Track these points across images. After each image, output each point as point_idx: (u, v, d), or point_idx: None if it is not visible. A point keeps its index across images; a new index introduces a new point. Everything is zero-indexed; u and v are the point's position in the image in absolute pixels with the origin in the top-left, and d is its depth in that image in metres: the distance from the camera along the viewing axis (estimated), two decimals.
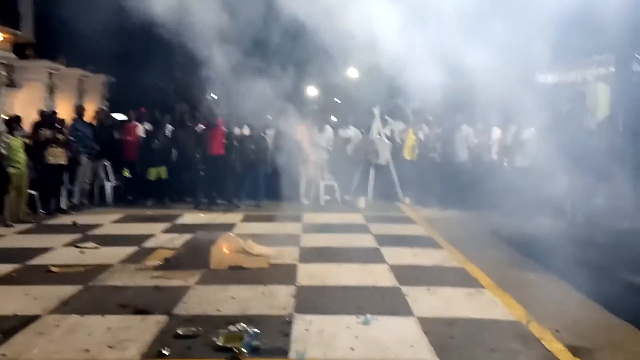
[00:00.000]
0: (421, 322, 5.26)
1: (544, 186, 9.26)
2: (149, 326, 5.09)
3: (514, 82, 10.21)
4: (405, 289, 6.31)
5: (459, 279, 6.81)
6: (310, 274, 6.89)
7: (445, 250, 8.32)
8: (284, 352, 4.56)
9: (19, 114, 13.92)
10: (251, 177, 12.80)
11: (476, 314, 5.52)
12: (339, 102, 15.87)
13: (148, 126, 13.07)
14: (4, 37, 18.73)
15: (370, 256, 7.87)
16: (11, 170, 10.14)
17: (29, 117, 13.32)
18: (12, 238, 9.16)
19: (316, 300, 5.88)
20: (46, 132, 11.44)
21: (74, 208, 11.84)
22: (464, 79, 10.67)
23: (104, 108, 16.81)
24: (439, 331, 5.05)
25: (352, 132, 13.99)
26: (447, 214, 11.51)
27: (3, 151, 10.07)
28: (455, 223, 10.55)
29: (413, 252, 8.16)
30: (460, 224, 10.42)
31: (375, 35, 9.27)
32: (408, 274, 6.92)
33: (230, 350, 4.51)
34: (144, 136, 12.77)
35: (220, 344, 4.61)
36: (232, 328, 4.94)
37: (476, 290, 6.33)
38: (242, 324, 5.01)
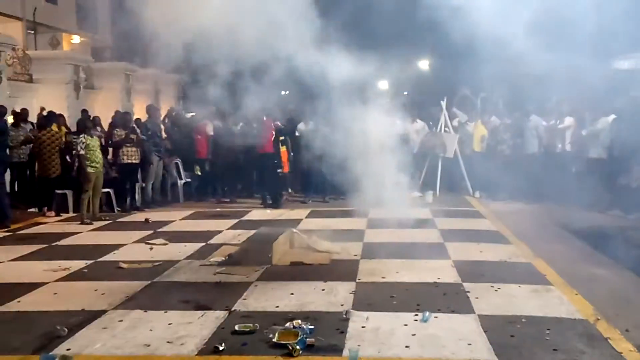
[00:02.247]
0: (482, 320, 5.12)
1: (618, 178, 8.84)
2: (208, 322, 5.20)
3: (587, 69, 9.80)
4: (468, 285, 6.17)
5: (526, 275, 6.59)
6: (371, 270, 6.83)
7: (513, 245, 8.07)
8: (338, 349, 4.55)
9: (98, 115, 14.61)
10: (318, 173, 12.82)
11: (540, 312, 5.32)
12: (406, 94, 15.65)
13: (218, 124, 13.31)
14: (81, 41, 19.61)
15: (434, 252, 7.72)
16: (89, 169, 10.56)
17: (108, 118, 13.88)
18: (88, 235, 9.57)
19: (375, 297, 5.83)
20: (120, 132, 11.87)
21: (147, 205, 12.24)
22: (534, 66, 10.34)
23: (176, 107, 17.26)
24: (499, 329, 4.90)
25: (419, 125, 13.80)
26: (517, 208, 11.17)
27: (81, 151, 10.51)
28: (525, 217, 10.22)
29: (479, 247, 7.96)
30: (530, 218, 10.09)
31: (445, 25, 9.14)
32: (472, 270, 6.75)
33: (284, 346, 4.53)
34: (213, 134, 13.02)
35: (275, 340, 4.64)
36: (288, 324, 4.97)
37: (542, 287, 6.10)
38: (299, 321, 5.03)
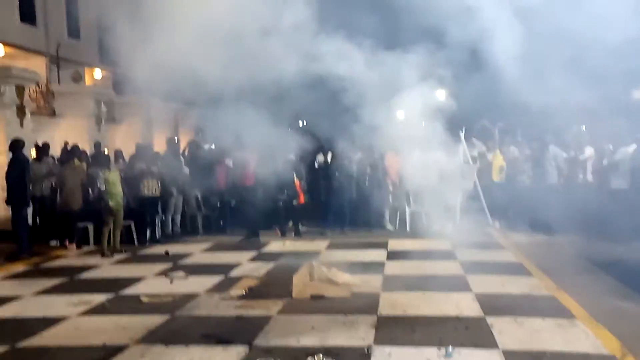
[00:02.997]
0: (506, 355, 5.05)
1: None
2: (229, 356, 5.19)
3: (607, 99, 9.77)
4: (490, 319, 6.09)
5: (549, 308, 6.48)
6: (392, 303, 6.78)
7: (536, 278, 7.97)
8: None
9: (120, 148, 14.79)
10: (336, 204, 12.82)
11: (566, 347, 5.23)
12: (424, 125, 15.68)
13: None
14: (103, 75, 19.99)
15: (456, 284, 7.65)
16: (110, 203, 10.65)
17: (129, 150, 14.05)
18: (108, 268, 9.62)
19: (397, 331, 5.78)
20: (141, 165, 11.99)
21: (167, 238, 12.29)
22: (554, 96, 10.33)
23: (196, 139, 17.42)
24: None
25: (438, 156, 13.76)
26: (539, 239, 11.03)
27: (102, 187, 10.62)
28: (547, 248, 10.11)
29: (501, 279, 7.87)
30: (552, 250, 9.97)
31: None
32: (494, 304, 6.67)
33: None
34: (232, 166, 13.09)
35: None
36: (310, 359, 4.93)
37: (567, 321, 6.00)
38: (320, 355, 5.00)
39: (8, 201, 10.51)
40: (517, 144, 13.00)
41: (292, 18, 8.25)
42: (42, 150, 12.77)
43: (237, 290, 7.53)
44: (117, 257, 10.42)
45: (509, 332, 5.69)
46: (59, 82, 20.75)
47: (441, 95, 17.30)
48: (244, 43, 8.27)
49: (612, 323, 5.85)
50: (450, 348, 5.17)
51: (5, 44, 17.94)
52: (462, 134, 13.03)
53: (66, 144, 14.13)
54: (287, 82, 8.97)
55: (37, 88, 15.42)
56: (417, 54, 9.28)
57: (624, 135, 10.71)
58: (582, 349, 5.19)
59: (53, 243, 11.71)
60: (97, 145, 14.79)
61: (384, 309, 6.58)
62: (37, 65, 19.45)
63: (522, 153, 12.73)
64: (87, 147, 14.76)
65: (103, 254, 10.45)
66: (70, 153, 12.26)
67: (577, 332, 5.66)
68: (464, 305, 6.64)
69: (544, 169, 11.91)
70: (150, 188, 11.82)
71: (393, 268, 8.84)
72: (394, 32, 9.70)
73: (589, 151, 11.58)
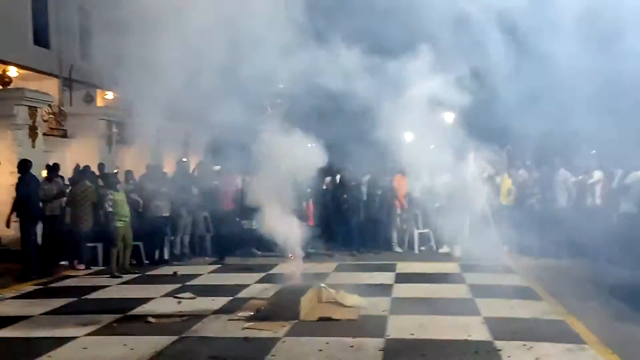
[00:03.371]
0: None
1: None
2: None
3: (613, 121, 9.77)
4: (499, 343, 6.04)
5: (559, 333, 6.44)
6: (400, 326, 6.75)
7: (545, 302, 7.93)
8: None
9: (131, 169, 14.86)
10: (345, 226, 12.83)
11: None
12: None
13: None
14: (115, 96, 20.12)
15: (464, 308, 7.62)
16: (118, 224, 10.71)
17: (140, 171, 14.11)
18: (117, 288, 9.64)
19: (405, 355, 5.76)
20: (150, 185, 12.06)
21: (175, 258, 12.32)
22: (563, 119, 10.34)
23: (205, 160, 17.50)
24: None
25: (446, 178, 13.77)
26: (548, 263, 10.97)
27: (109, 208, 10.69)
28: (557, 272, 10.05)
29: (510, 303, 7.82)
30: (562, 274, 9.91)
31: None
32: (503, 328, 6.62)
33: None
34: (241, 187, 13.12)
35: None
36: None
37: (577, 346, 5.95)
38: None
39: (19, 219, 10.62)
40: (526, 167, 12.99)
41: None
42: (53, 170, 12.85)
43: (245, 312, 7.53)
44: (126, 277, 10.44)
45: (518, 356, 5.65)
46: (70, 104, 20.94)
47: (450, 117, 17.36)
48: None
49: (622, 348, 5.81)
50: None
51: (19, 66, 18.12)
52: (471, 157, 13.01)
53: (78, 165, 14.23)
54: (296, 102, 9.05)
55: (50, 109, 15.56)
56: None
57: (634, 159, 10.68)
58: None
59: (62, 263, 11.75)
60: (101, 167, 14.84)
61: (392, 332, 6.55)
62: (50, 87, 19.66)
63: (531, 176, 12.72)
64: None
65: (112, 275, 10.47)
66: (82, 173, 12.36)
67: (586, 357, 5.62)
68: (473, 329, 6.60)
69: (553, 192, 11.89)
70: (159, 209, 11.87)
71: (401, 291, 8.82)
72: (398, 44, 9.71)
73: (597, 174, 11.56)
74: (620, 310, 7.43)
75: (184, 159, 15.22)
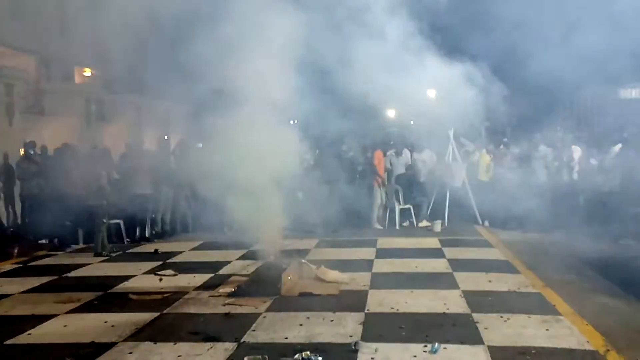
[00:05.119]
0: (491, 351, 5.11)
1: (629, 207, 8.81)
2: (217, 354, 5.21)
3: (595, 98, 9.87)
4: (477, 316, 6.15)
5: (535, 305, 6.55)
6: (380, 301, 6.83)
7: (522, 275, 8.04)
8: None
9: (109, 147, 14.75)
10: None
11: (550, 343, 5.29)
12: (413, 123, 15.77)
13: None
14: (93, 73, 19.95)
15: (443, 282, 7.72)
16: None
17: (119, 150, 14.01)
18: (98, 266, 9.62)
19: (384, 328, 5.83)
20: (131, 164, 11.98)
21: (157, 236, 12.30)
22: (541, 96, 10.40)
23: (184, 139, 17.39)
24: None
25: (426, 154, 13.86)
26: (527, 237, 11.11)
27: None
28: (535, 246, 10.18)
29: (488, 277, 7.93)
30: (540, 248, 10.03)
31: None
32: (481, 301, 6.74)
33: None
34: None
35: None
36: (297, 356, 4.97)
37: (552, 317, 6.06)
38: (307, 352, 5.04)
39: None
40: (504, 143, 13.10)
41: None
42: (30, 148, 12.69)
43: (226, 288, 7.56)
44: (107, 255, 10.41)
45: (495, 328, 5.75)
46: (48, 81, 20.68)
47: (431, 94, 17.38)
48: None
49: (597, 319, 5.93)
50: (436, 344, 5.22)
51: None
52: (451, 133, 13.10)
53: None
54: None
55: (27, 87, 15.39)
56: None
57: (611, 135, 10.81)
58: (566, 344, 5.26)
59: (42, 242, 11.68)
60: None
61: (372, 306, 6.63)
62: (27, 64, 19.38)
63: (510, 152, 12.83)
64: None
65: (96, 253, 10.40)
66: (61, 152, 12.24)
67: (561, 329, 5.72)
68: (451, 302, 6.69)
69: (532, 168, 12.00)
70: (140, 186, 11.82)
71: (382, 266, 8.89)
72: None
73: (575, 150, 11.70)
74: (596, 283, 7.57)
75: (165, 137, 15.11)
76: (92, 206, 10.63)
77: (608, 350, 5.08)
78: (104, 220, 10.68)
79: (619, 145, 10.70)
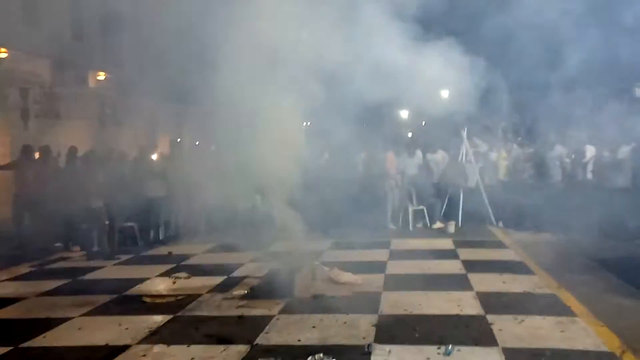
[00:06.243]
0: (505, 353, 5.08)
1: None
2: (230, 356, 5.23)
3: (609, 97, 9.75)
4: (491, 317, 6.11)
5: (550, 306, 6.50)
6: (394, 303, 6.80)
7: (537, 276, 7.98)
8: None
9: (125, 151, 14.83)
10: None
11: (565, 344, 5.25)
12: (424, 124, 15.76)
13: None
14: (107, 77, 20.06)
15: (457, 283, 7.68)
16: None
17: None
18: (112, 269, 9.68)
19: (397, 330, 5.81)
20: (145, 166, 12.04)
21: (170, 239, 12.34)
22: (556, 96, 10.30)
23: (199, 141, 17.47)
24: None
25: (439, 155, 13.81)
26: (542, 238, 11.03)
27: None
28: (550, 247, 10.09)
29: (502, 278, 7.88)
30: (554, 248, 9.94)
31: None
32: (495, 302, 6.70)
33: None
34: None
35: None
36: (310, 358, 4.97)
37: (567, 319, 6.01)
38: (321, 354, 5.03)
39: None
40: (519, 143, 13.03)
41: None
42: (45, 152, 12.75)
43: (239, 290, 7.57)
44: (123, 258, 10.45)
45: (509, 329, 5.71)
46: (63, 85, 20.84)
47: (445, 94, 17.31)
48: None
49: (613, 320, 5.87)
50: (450, 346, 5.19)
51: (9, 47, 17.97)
52: (464, 133, 13.04)
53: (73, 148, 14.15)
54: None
55: (42, 91, 15.52)
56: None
57: (624, 134, 10.70)
58: (581, 346, 5.21)
59: (57, 245, 11.75)
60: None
61: (386, 308, 6.61)
62: (42, 69, 19.53)
63: (524, 152, 12.75)
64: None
65: (110, 257, 10.45)
66: (72, 155, 12.30)
67: (577, 330, 5.68)
68: (465, 304, 6.66)
69: (546, 168, 11.92)
70: (154, 189, 11.87)
71: (395, 267, 8.86)
72: None
73: (589, 149, 11.60)
74: (612, 283, 7.51)
75: (179, 140, 15.19)
76: (104, 208, 10.68)
77: (624, 351, 5.03)
78: (115, 223, 10.74)
79: (633, 144, 10.60)
